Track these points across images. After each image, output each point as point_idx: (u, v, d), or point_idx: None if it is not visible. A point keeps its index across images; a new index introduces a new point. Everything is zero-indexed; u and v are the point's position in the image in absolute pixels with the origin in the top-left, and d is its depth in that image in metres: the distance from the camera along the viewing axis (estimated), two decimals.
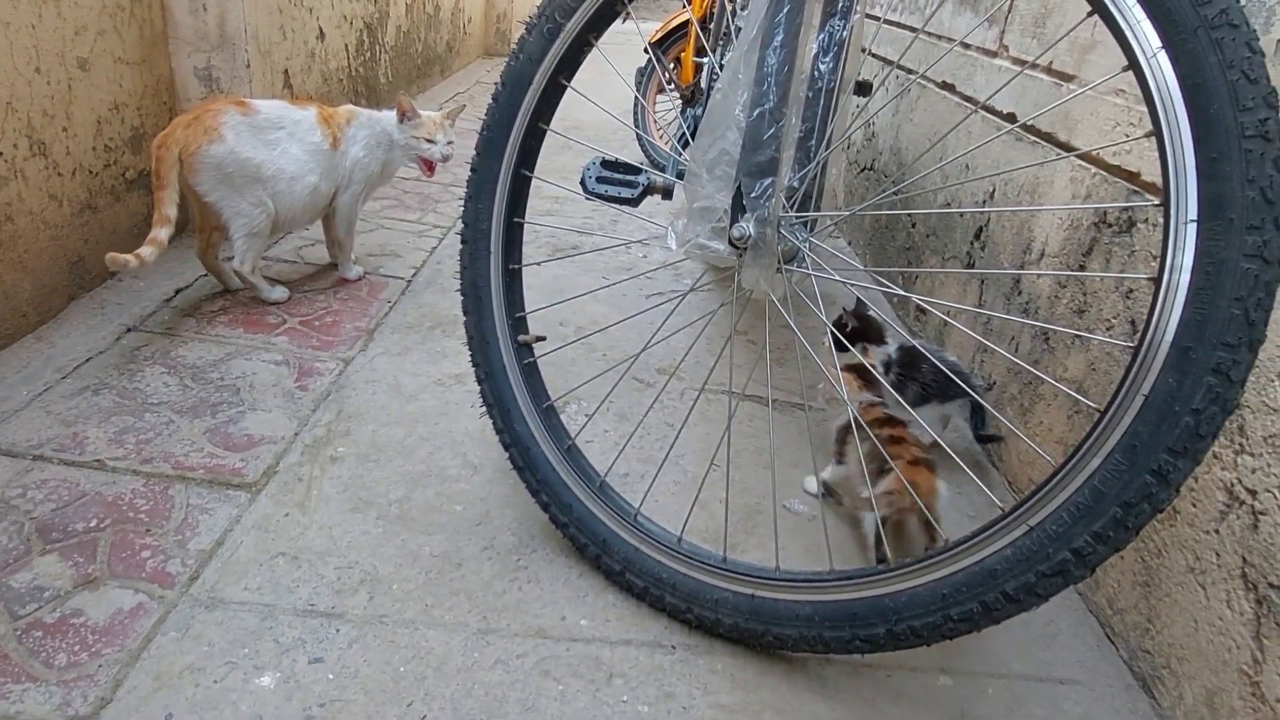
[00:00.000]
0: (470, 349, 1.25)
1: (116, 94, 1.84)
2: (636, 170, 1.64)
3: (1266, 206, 0.73)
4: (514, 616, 1.09)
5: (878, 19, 2.39)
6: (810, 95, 1.02)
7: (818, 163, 0.99)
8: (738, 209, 0.95)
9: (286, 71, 2.61)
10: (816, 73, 1.01)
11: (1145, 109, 0.80)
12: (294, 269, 2.07)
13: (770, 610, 1.00)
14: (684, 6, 2.98)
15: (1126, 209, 1.14)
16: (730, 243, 0.97)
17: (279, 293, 1.87)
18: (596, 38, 1.16)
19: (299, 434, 1.43)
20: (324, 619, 1.06)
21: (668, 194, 1.87)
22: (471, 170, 1.23)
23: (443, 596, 1.11)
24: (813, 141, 1.02)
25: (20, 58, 1.55)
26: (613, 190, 1.59)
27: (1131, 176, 1.15)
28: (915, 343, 1.32)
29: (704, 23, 2.91)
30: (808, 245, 1.00)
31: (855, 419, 1.18)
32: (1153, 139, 0.80)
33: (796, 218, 0.99)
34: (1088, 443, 0.82)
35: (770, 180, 0.93)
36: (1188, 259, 0.77)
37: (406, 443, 1.43)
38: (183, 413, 1.45)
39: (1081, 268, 1.23)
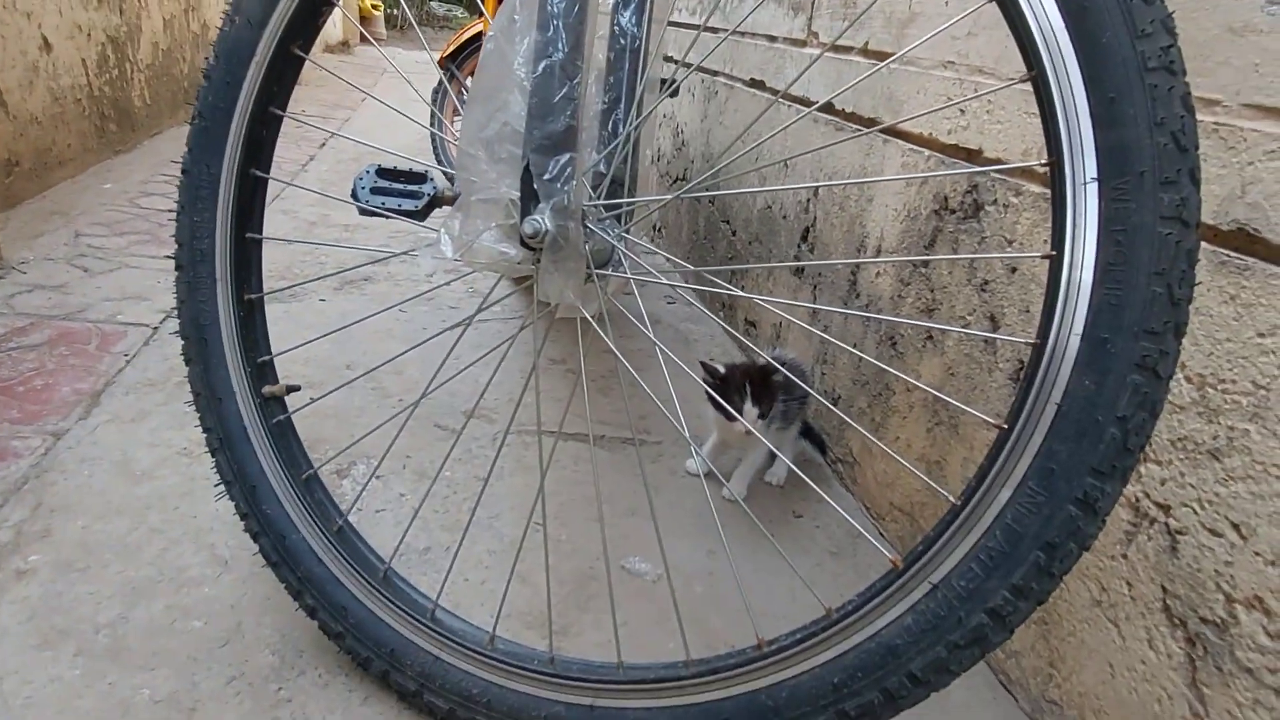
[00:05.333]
0: (197, 409, 0.94)
1: None
2: (422, 178, 1.37)
3: (1180, 155, 0.59)
4: None
5: (698, 28, 2.27)
6: (613, 57, 0.81)
7: (627, 135, 0.77)
8: (529, 197, 0.72)
9: None
10: (618, 28, 0.81)
11: (1016, 53, 0.65)
12: None
13: None
14: (479, 17, 2.76)
15: (971, 191, 1.01)
16: (523, 243, 0.73)
17: None
18: None
19: None
20: None
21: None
22: (182, 171, 0.93)
23: None
24: (619, 113, 0.81)
25: None
26: (392, 202, 1.32)
27: (972, 155, 1.02)
28: (765, 357, 1.13)
29: None
30: (623, 244, 0.79)
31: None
32: (1029, 84, 0.65)
33: (606, 208, 0.77)
34: (993, 470, 0.64)
35: (568, 156, 0.71)
36: (1091, 228, 0.61)
37: (131, 539, 1.08)
38: None
39: (926, 263, 1.10)
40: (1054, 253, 0.64)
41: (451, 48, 2.72)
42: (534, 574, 1.08)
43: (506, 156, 0.75)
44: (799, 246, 1.44)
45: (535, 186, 0.71)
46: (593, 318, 0.82)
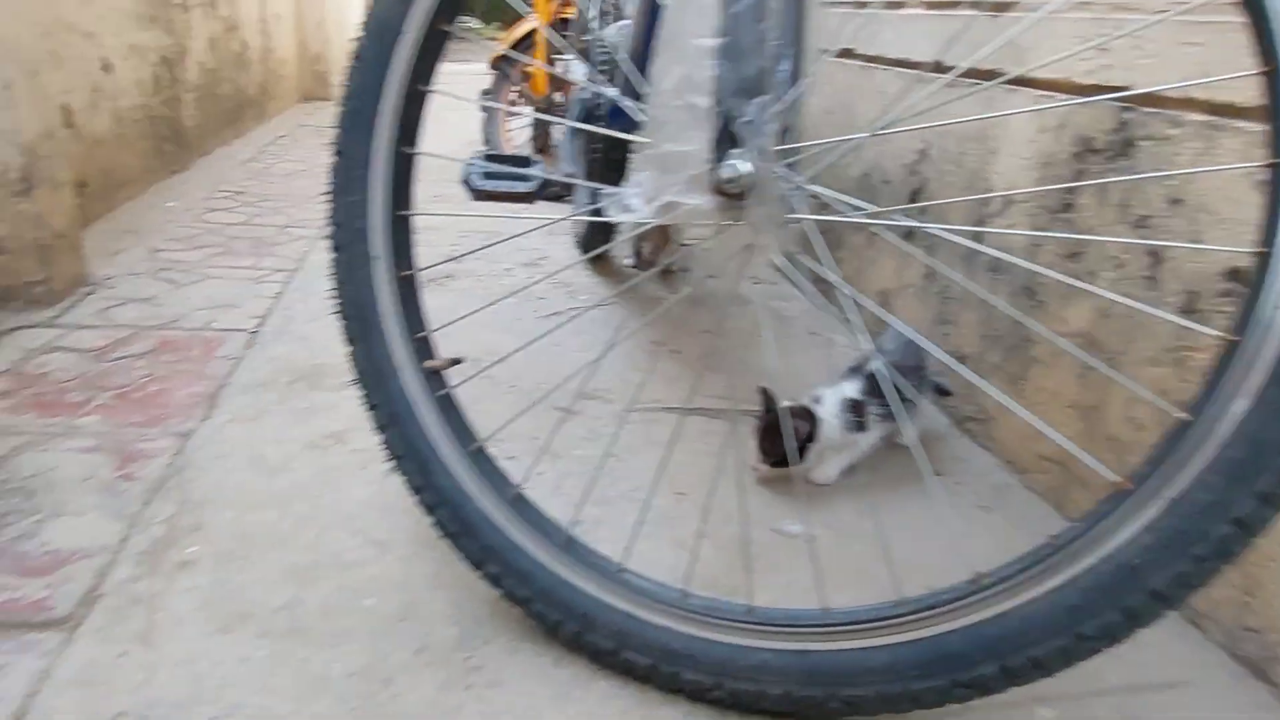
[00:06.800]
0: (362, 388, 0.95)
1: None
2: (528, 162, 1.38)
3: None
4: None
5: None
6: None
7: (805, 83, 0.77)
8: (724, 143, 0.72)
9: (66, 107, 2.17)
10: None
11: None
12: (99, 334, 1.65)
13: (832, 667, 0.76)
14: (528, 13, 2.77)
15: (1119, 129, 1.00)
16: (717, 190, 0.73)
17: None
18: None
19: (128, 538, 1.06)
20: None
21: (566, 190, 1.63)
22: (335, 153, 0.94)
23: None
24: (785, 60, 0.81)
25: None
26: (504, 186, 1.33)
27: (1117, 93, 1.01)
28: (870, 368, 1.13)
29: (554, 27, 2.70)
30: (801, 188, 0.78)
31: None
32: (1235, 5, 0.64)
33: (791, 151, 0.77)
34: (1223, 381, 0.64)
35: (765, 99, 0.71)
36: None
37: (282, 527, 1.09)
38: None
39: (1067, 207, 1.09)
40: (1277, 159, 0.63)
41: (506, 44, 2.74)
42: (689, 540, 1.07)
43: (691, 106, 0.74)
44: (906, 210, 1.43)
45: (733, 130, 0.71)
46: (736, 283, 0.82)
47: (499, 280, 2.02)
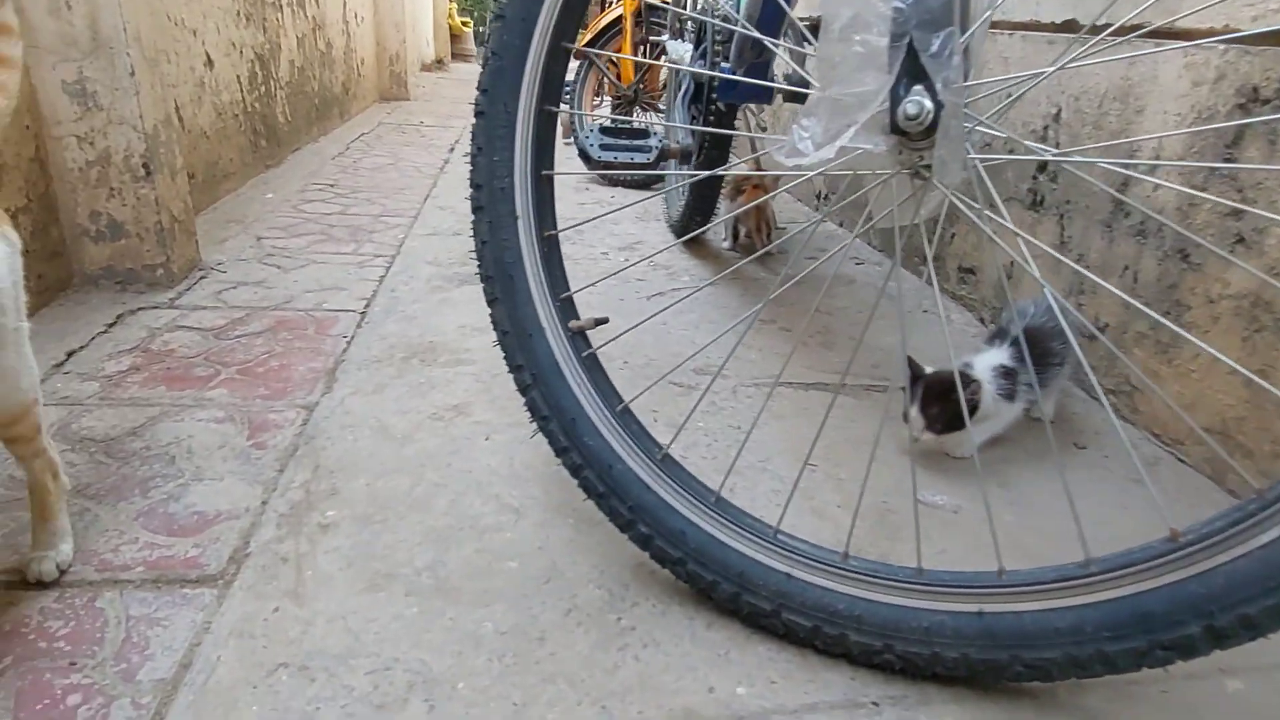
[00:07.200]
0: (504, 348, 0.94)
1: None
2: (644, 133, 1.38)
3: None
4: (643, 699, 0.77)
5: None
6: None
7: (985, 20, 0.74)
8: (908, 77, 0.69)
9: (175, 100, 2.24)
10: None
11: None
12: (217, 314, 1.69)
13: (1013, 629, 0.72)
14: (613, 3, 2.77)
15: None
16: (897, 129, 0.70)
17: None
18: None
19: (268, 501, 1.08)
20: None
21: (686, 157, 1.61)
22: (478, 114, 0.93)
23: (534, 689, 0.79)
24: None
25: None
26: (624, 155, 1.33)
27: None
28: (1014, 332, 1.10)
29: (638, 15, 2.70)
30: (980, 127, 0.75)
31: None
32: None
33: (968, 90, 0.73)
34: None
35: (950, 31, 0.68)
36: None
37: (416, 493, 1.10)
38: (99, 497, 1.07)
39: (1227, 161, 1.03)
40: None
41: (588, 37, 2.75)
42: (828, 510, 1.05)
43: (866, 44, 0.72)
44: (1034, 179, 1.38)
45: (922, 63, 0.68)
46: (918, 222, 0.79)
47: (596, 264, 2.01)
